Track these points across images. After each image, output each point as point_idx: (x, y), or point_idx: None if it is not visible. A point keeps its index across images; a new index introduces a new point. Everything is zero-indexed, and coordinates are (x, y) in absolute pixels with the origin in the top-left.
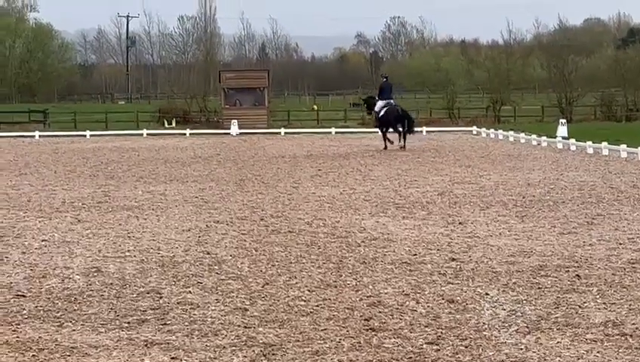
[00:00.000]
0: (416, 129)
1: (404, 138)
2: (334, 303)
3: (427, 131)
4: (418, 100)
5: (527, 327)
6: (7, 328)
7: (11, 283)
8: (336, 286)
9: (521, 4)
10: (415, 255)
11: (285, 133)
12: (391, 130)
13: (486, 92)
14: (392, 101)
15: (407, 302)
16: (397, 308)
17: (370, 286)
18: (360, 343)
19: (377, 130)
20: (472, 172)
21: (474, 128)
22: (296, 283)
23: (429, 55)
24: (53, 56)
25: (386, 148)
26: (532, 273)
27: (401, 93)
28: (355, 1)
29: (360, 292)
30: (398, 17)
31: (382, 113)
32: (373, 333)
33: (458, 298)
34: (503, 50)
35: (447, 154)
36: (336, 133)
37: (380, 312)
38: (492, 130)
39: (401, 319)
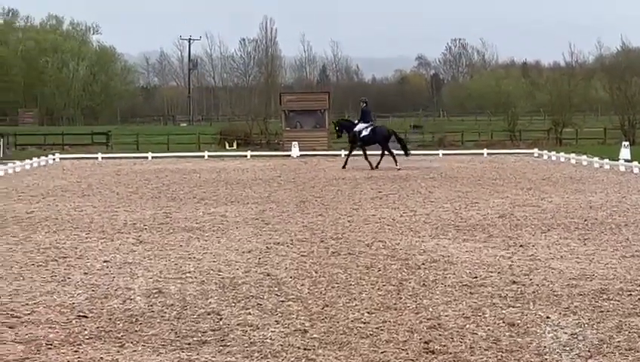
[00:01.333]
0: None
1: (394, 158)
2: (394, 325)
3: (488, 153)
4: (479, 122)
5: (589, 351)
6: (69, 348)
7: (73, 303)
8: (396, 309)
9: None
10: (475, 277)
11: (345, 154)
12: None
13: (547, 114)
14: (373, 124)
15: (468, 325)
16: (457, 331)
17: (430, 309)
18: None
19: (346, 151)
20: (534, 194)
21: (535, 150)
22: (356, 305)
23: (490, 77)
24: (116, 79)
25: (345, 166)
26: (594, 296)
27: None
28: (416, 23)
29: (420, 314)
30: (459, 39)
31: (365, 133)
32: (432, 356)
33: (519, 321)
34: (564, 72)
35: (508, 176)
36: (396, 155)
37: (439, 335)
38: (554, 153)
39: (461, 342)
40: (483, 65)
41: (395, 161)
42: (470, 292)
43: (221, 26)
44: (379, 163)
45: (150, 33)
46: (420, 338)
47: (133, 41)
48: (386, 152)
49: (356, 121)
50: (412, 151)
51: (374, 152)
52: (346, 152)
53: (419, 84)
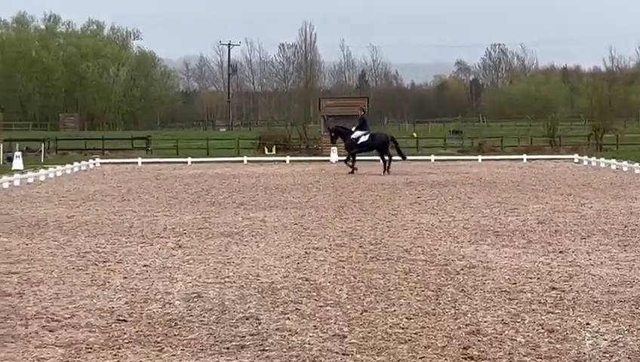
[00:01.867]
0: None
1: (389, 163)
2: (433, 331)
3: (527, 159)
4: (518, 128)
5: (629, 358)
6: (108, 352)
7: (113, 307)
8: (434, 314)
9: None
10: (515, 283)
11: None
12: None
13: (588, 119)
14: (369, 132)
15: (507, 331)
16: (496, 337)
17: (469, 315)
18: None
19: (347, 156)
20: (574, 200)
21: (575, 156)
22: (395, 310)
23: (529, 82)
24: (155, 84)
25: (353, 171)
26: (634, 303)
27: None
28: (455, 29)
29: (459, 320)
30: (499, 45)
31: (364, 139)
32: None
33: (558, 327)
34: (605, 77)
35: (547, 182)
36: (435, 160)
37: (478, 341)
38: (594, 158)
39: (500, 348)
40: (523, 71)
41: (388, 168)
42: (509, 298)
43: (261, 31)
44: (387, 168)
45: (190, 38)
46: (459, 344)
47: (174, 46)
48: (385, 157)
49: (353, 129)
50: (452, 157)
51: (363, 158)
52: (343, 158)
53: (458, 89)
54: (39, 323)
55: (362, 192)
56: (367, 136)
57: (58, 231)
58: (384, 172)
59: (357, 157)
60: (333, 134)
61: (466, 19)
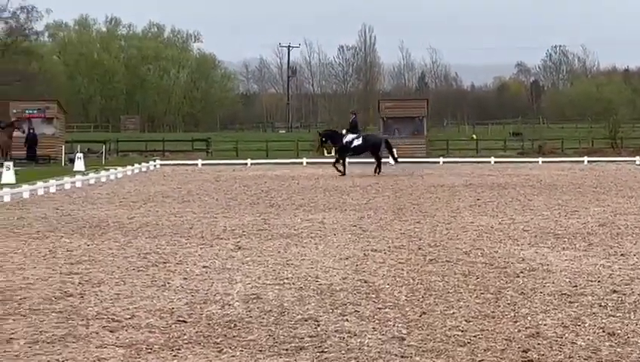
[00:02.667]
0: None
1: (380, 165)
2: (492, 334)
3: (589, 161)
4: (579, 129)
5: None
6: (168, 353)
7: (173, 308)
8: (494, 317)
9: None
10: (575, 286)
11: (443, 162)
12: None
13: None
14: (361, 134)
15: (567, 334)
16: (556, 340)
17: (529, 318)
18: None
19: (336, 159)
20: (635, 203)
21: (638, 158)
22: (454, 313)
23: (590, 84)
24: (215, 86)
25: (344, 174)
26: None
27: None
28: (515, 30)
29: (518, 323)
30: (560, 46)
31: (357, 143)
32: None
33: (619, 331)
34: None
35: (609, 184)
36: (495, 162)
37: (538, 344)
38: None
39: (560, 351)
40: (584, 72)
41: (380, 169)
42: (569, 301)
43: (320, 33)
44: (379, 169)
45: (250, 41)
46: (519, 347)
47: (234, 48)
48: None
49: (344, 132)
50: (512, 159)
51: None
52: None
53: (518, 91)
54: (100, 323)
55: (421, 194)
56: (360, 140)
57: (119, 232)
58: (376, 172)
59: (349, 160)
60: (323, 139)
61: (526, 21)
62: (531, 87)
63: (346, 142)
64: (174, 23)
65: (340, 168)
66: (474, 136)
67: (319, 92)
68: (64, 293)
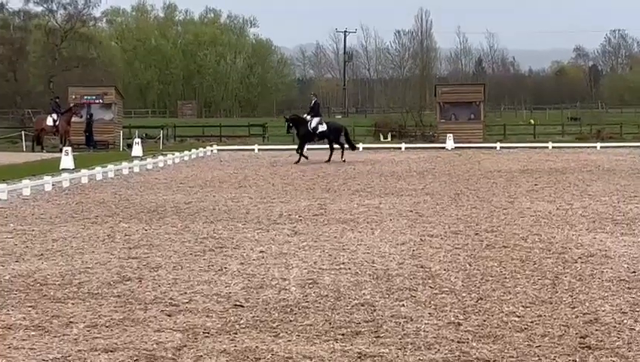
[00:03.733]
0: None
1: (343, 151)
2: (549, 320)
3: None
4: (639, 114)
5: None
6: (225, 337)
7: (230, 293)
8: (551, 303)
9: None
10: (634, 272)
11: (501, 147)
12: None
13: None
14: (323, 119)
15: (625, 320)
16: (614, 326)
17: (587, 304)
18: (575, 361)
19: (299, 145)
20: None
21: None
22: (511, 298)
23: None
24: (272, 71)
25: (299, 160)
26: None
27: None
28: (573, 14)
29: (576, 309)
30: (619, 30)
31: (322, 129)
32: (589, 351)
33: None
34: None
35: None
36: (552, 147)
37: (596, 330)
38: None
39: (618, 337)
40: None
41: (332, 155)
42: (628, 288)
43: (377, 18)
44: (341, 156)
45: (307, 26)
46: (576, 333)
47: (290, 34)
48: (336, 146)
49: (306, 116)
50: (570, 145)
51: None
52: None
53: (576, 75)
54: (158, 307)
55: (478, 180)
56: (324, 126)
57: (176, 217)
58: (330, 159)
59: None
60: (290, 124)
61: (584, 5)
62: (590, 72)
63: (312, 128)
64: (231, 9)
65: (302, 153)
66: (532, 121)
67: (375, 77)
68: (122, 278)
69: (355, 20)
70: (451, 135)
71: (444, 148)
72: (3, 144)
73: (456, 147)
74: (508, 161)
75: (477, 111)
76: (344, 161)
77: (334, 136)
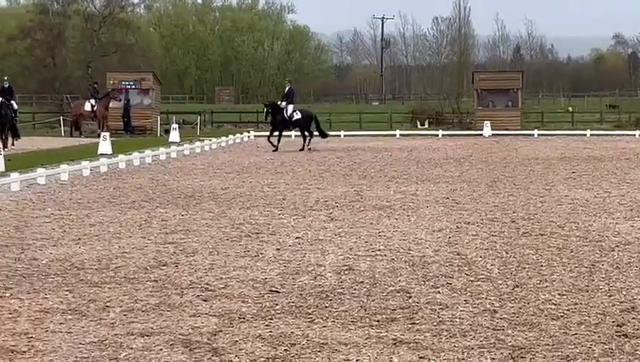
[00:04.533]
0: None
1: (310, 140)
2: (586, 308)
3: None
4: None
5: None
6: (261, 322)
7: (265, 278)
8: (587, 291)
9: None
10: None
11: (538, 134)
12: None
13: None
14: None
15: None
16: None
17: (624, 292)
18: (612, 349)
19: (271, 132)
20: None
21: None
22: (547, 286)
23: None
24: (309, 58)
25: (277, 149)
26: None
27: None
28: (613, 1)
29: (613, 297)
30: None
31: (297, 116)
32: (626, 339)
33: None
34: None
35: None
36: (591, 135)
37: (633, 318)
38: None
39: None
40: None
41: (309, 143)
42: None
43: (415, 4)
44: (307, 144)
45: (344, 12)
46: (613, 322)
47: (327, 20)
48: (306, 133)
49: (281, 103)
50: (609, 132)
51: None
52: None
53: (615, 63)
54: (194, 292)
55: (515, 167)
56: (298, 113)
57: (213, 203)
58: (304, 148)
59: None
60: (269, 110)
61: None
62: (629, 59)
63: (289, 115)
64: None
65: (274, 143)
66: (570, 108)
67: (413, 64)
68: (159, 262)
69: (392, 7)
70: (488, 122)
71: (481, 135)
72: (42, 129)
73: (493, 134)
74: (545, 149)
75: (514, 98)
76: (310, 149)
77: (307, 124)
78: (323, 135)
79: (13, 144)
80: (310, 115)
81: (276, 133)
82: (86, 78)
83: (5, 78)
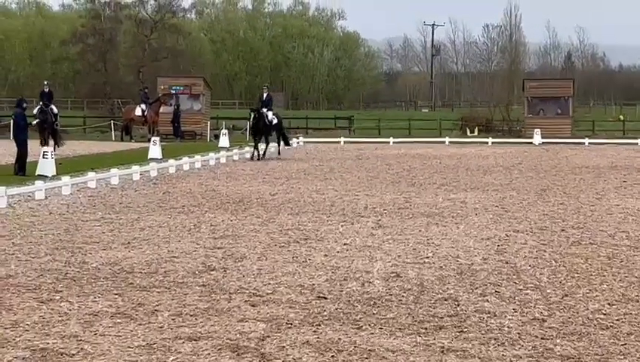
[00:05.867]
0: None
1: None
2: (636, 318)
3: None
4: None
5: None
6: (308, 328)
7: (313, 284)
8: (638, 301)
9: None
10: None
11: (589, 143)
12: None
13: None
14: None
15: None
16: None
17: None
18: None
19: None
20: None
21: None
22: (597, 296)
23: None
24: (359, 64)
25: (258, 158)
26: None
27: None
28: None
29: None
30: None
31: (275, 121)
32: None
33: None
34: None
35: None
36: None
37: None
38: None
39: None
40: None
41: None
42: None
43: (465, 11)
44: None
45: (395, 19)
46: None
47: (378, 27)
48: (281, 137)
49: (265, 110)
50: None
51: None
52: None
53: None
54: (242, 297)
55: (565, 175)
56: (275, 118)
57: (261, 208)
58: (280, 152)
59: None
60: (256, 115)
61: None
62: None
63: (269, 121)
64: (319, 1)
65: (261, 152)
66: (621, 117)
67: (463, 71)
68: (207, 267)
69: (443, 13)
70: (539, 130)
71: (531, 143)
72: (93, 133)
73: (543, 142)
74: (596, 157)
75: (565, 106)
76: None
77: (282, 127)
78: (286, 143)
79: (54, 150)
80: (281, 119)
81: (262, 146)
82: (137, 83)
83: (45, 82)
